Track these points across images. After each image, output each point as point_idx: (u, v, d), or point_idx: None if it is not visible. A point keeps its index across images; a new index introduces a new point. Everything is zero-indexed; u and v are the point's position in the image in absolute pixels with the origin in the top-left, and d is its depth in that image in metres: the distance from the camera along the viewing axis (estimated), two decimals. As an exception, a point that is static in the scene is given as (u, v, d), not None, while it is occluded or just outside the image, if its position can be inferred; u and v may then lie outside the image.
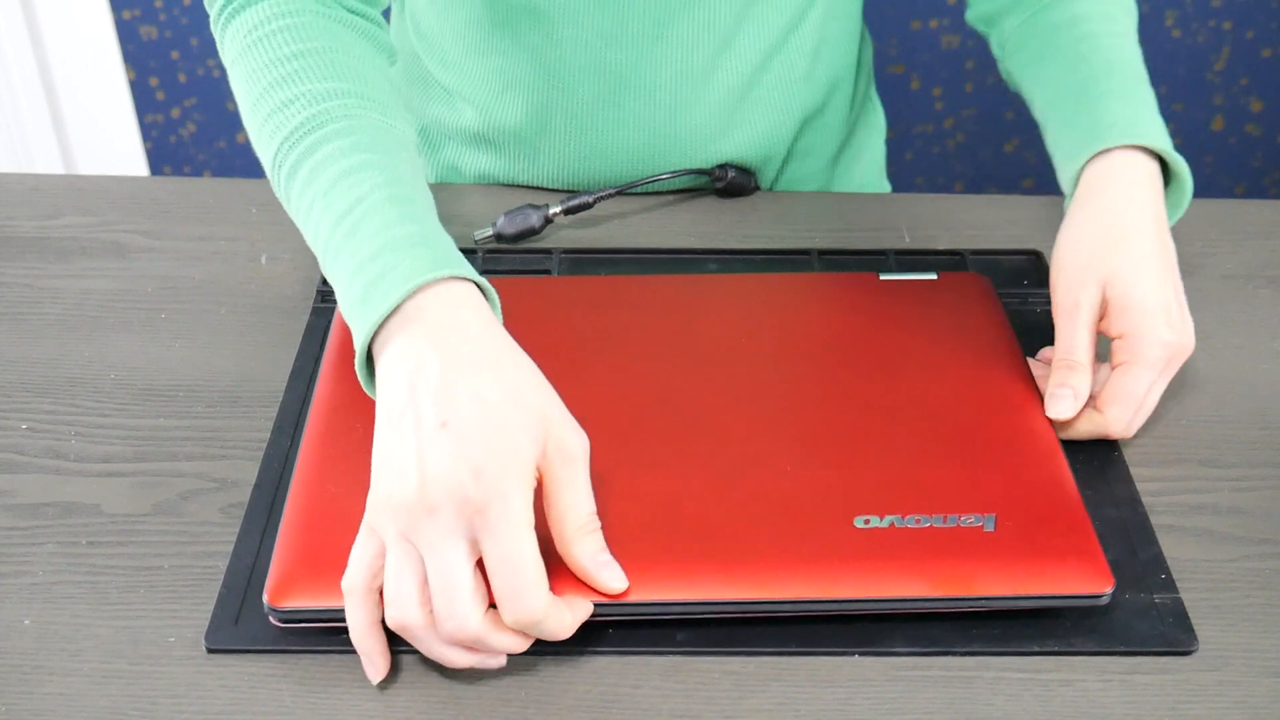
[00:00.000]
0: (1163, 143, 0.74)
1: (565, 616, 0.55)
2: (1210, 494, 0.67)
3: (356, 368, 0.59)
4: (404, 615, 0.54)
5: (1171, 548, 0.64)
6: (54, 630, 0.60)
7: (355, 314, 0.59)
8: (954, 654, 0.58)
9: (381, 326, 0.58)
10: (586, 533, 0.56)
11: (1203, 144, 1.65)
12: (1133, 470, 0.68)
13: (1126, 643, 0.59)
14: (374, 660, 0.56)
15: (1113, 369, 0.69)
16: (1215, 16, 1.53)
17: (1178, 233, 0.78)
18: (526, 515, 0.53)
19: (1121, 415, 0.68)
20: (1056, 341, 0.70)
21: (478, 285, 0.60)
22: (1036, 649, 0.58)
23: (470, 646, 0.55)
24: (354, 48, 0.71)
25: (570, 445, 0.55)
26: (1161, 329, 0.68)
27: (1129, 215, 0.71)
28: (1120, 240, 0.70)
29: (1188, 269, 0.83)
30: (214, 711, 0.56)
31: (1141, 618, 0.60)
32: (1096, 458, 0.68)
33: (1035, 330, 0.77)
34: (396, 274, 0.58)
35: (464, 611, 0.53)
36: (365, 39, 0.73)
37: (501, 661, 0.56)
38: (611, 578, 0.56)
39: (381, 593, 0.56)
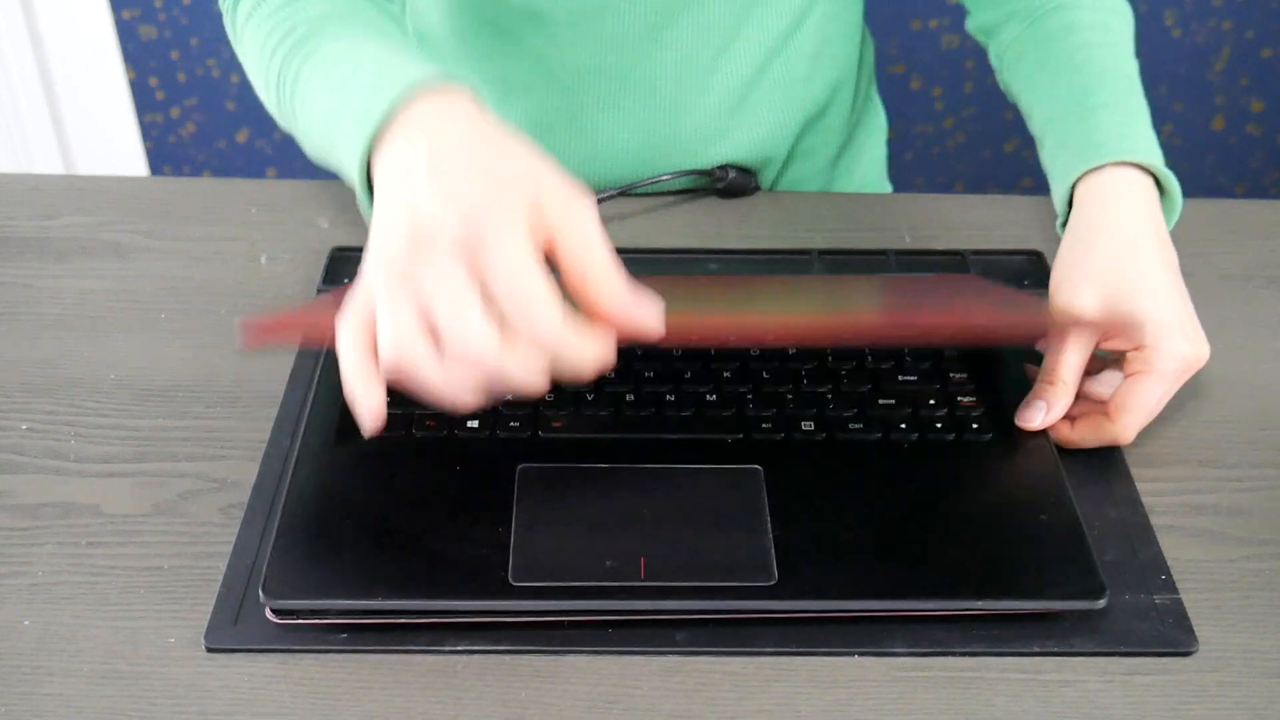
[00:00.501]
0: (1153, 158, 0.73)
1: (585, 346, 0.52)
2: (1210, 494, 0.67)
3: (359, 199, 0.59)
4: (402, 345, 0.51)
5: (1171, 548, 0.64)
6: (54, 630, 0.60)
7: (350, 140, 0.58)
8: (954, 654, 0.58)
9: (380, 136, 0.57)
10: (610, 274, 0.52)
11: (1203, 144, 1.65)
12: (1133, 470, 0.68)
13: (1126, 643, 0.59)
14: (369, 404, 0.53)
15: (1125, 377, 0.68)
16: (1215, 16, 1.53)
17: (1178, 233, 0.78)
18: (526, 247, 0.50)
19: (1133, 423, 0.67)
20: (1045, 356, 0.69)
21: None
22: (1036, 650, 0.58)
23: (480, 383, 0.52)
24: (373, 18, 0.71)
25: (569, 197, 0.53)
26: (1179, 341, 0.67)
27: (1130, 230, 0.71)
28: (1126, 258, 0.69)
29: (1188, 269, 0.83)
30: (214, 711, 0.56)
31: (1141, 618, 0.60)
32: (1096, 458, 0.68)
33: (1035, 330, 0.77)
34: (392, 87, 0.57)
35: (478, 331, 0.50)
36: (384, 13, 0.73)
37: (508, 394, 0.53)
38: (646, 312, 0.52)
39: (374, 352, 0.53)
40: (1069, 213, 0.74)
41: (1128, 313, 0.68)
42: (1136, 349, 0.68)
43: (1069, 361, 0.68)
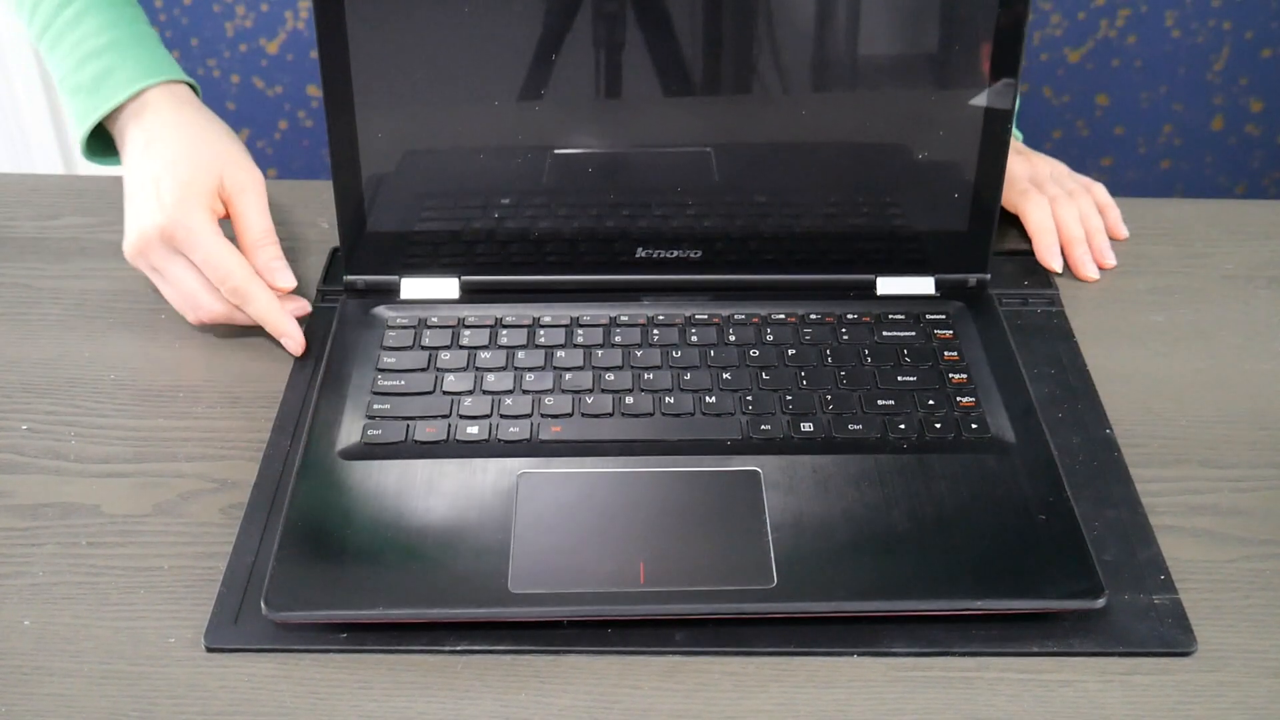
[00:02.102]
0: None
1: (263, 295, 0.73)
2: (1210, 494, 0.67)
3: (81, 140, 0.78)
4: (180, 304, 0.76)
5: (1171, 548, 0.64)
6: (54, 630, 0.60)
7: (84, 98, 0.78)
8: (954, 654, 0.58)
9: (115, 114, 0.78)
10: (261, 245, 0.75)
11: (1203, 144, 1.65)
12: (1133, 470, 0.68)
13: (1126, 643, 0.59)
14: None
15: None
16: (1215, 16, 1.53)
17: (1178, 233, 0.78)
18: (212, 228, 0.73)
19: (1047, 241, 0.83)
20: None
21: (189, 84, 0.80)
22: (1036, 650, 0.58)
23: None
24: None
25: (242, 179, 0.75)
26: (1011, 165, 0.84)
27: None
28: None
29: (1188, 269, 0.83)
30: (214, 711, 0.56)
31: (1141, 618, 0.60)
32: (1096, 458, 0.68)
33: (1035, 330, 0.77)
34: (123, 74, 0.77)
35: (207, 301, 0.74)
36: None
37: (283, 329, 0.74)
38: (283, 279, 0.75)
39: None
40: None
41: None
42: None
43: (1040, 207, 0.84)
